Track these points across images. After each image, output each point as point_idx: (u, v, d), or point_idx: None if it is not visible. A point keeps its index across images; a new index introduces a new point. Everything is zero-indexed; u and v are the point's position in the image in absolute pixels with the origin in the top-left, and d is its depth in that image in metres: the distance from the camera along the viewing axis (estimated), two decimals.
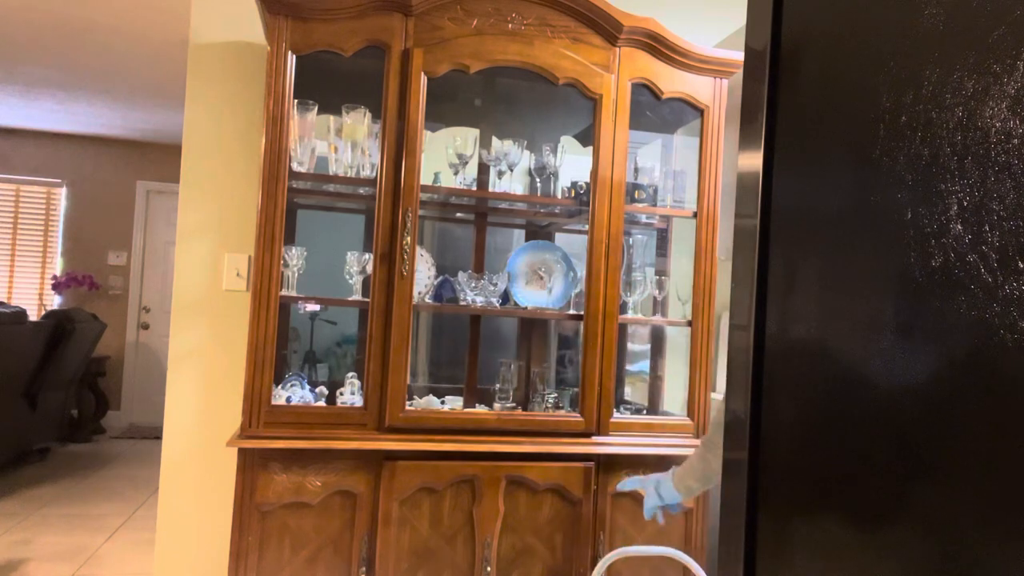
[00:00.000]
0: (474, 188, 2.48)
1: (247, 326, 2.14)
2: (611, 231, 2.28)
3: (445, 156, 2.41)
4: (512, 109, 2.72)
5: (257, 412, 2.05)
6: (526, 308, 2.44)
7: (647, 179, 2.50)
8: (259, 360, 2.06)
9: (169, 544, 2.48)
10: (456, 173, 2.42)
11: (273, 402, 2.10)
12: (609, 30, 2.26)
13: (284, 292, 2.17)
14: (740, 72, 2.38)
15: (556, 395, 2.49)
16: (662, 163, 2.68)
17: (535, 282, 2.48)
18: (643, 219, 2.60)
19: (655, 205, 2.48)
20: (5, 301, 6.15)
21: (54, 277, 6.53)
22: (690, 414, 2.35)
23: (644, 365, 2.75)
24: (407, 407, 2.17)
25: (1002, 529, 0.45)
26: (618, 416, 2.34)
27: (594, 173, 2.28)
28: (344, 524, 2.09)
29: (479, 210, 2.65)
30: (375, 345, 2.13)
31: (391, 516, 2.09)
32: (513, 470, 2.17)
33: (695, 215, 2.38)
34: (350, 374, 2.33)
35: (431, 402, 2.41)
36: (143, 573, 3.36)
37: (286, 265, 2.19)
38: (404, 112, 2.14)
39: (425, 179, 2.30)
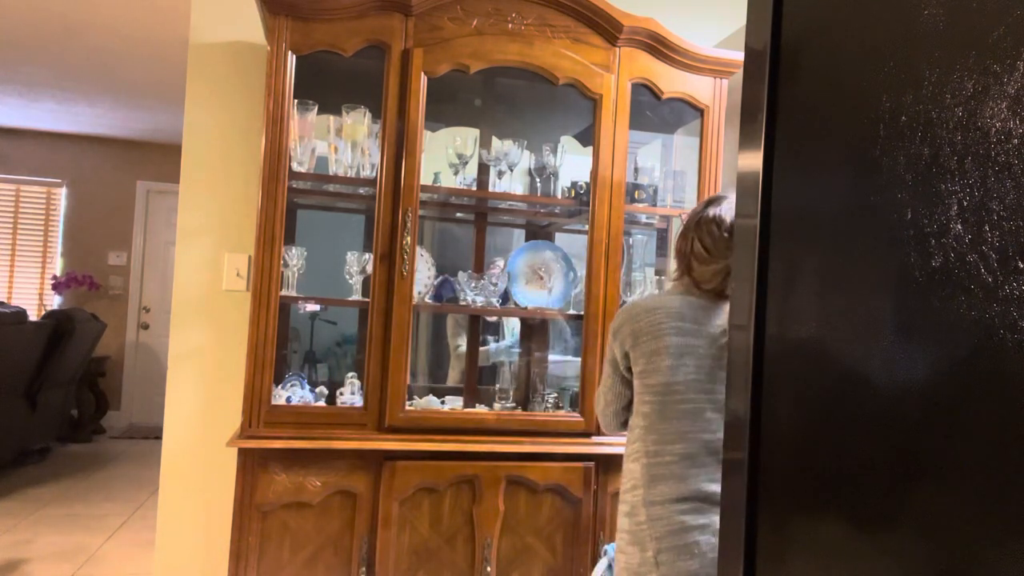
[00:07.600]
0: (474, 188, 2.48)
1: (247, 326, 2.14)
2: (611, 231, 2.28)
3: (445, 156, 2.41)
4: (512, 109, 2.72)
5: (257, 412, 2.05)
6: (526, 308, 2.44)
7: (647, 179, 2.50)
8: (259, 360, 2.06)
9: (169, 544, 2.48)
10: (456, 173, 2.42)
11: (273, 402, 2.10)
12: (609, 30, 2.26)
13: (284, 292, 2.16)
14: (740, 72, 2.38)
15: (556, 395, 2.49)
16: (662, 163, 2.68)
17: (535, 282, 2.48)
18: (643, 219, 2.60)
19: (655, 205, 2.48)
20: (5, 301, 6.14)
21: (54, 277, 6.53)
22: None
23: None
24: (407, 407, 2.17)
25: (1002, 529, 0.45)
26: None
27: (594, 173, 2.28)
28: (344, 524, 2.09)
29: (479, 210, 2.65)
30: (375, 345, 2.13)
31: (391, 516, 2.09)
32: (513, 470, 2.17)
33: None
34: (350, 374, 2.33)
35: (431, 402, 2.41)
36: (143, 573, 3.36)
37: (286, 265, 2.19)
38: (404, 112, 2.14)
39: (425, 179, 2.30)
